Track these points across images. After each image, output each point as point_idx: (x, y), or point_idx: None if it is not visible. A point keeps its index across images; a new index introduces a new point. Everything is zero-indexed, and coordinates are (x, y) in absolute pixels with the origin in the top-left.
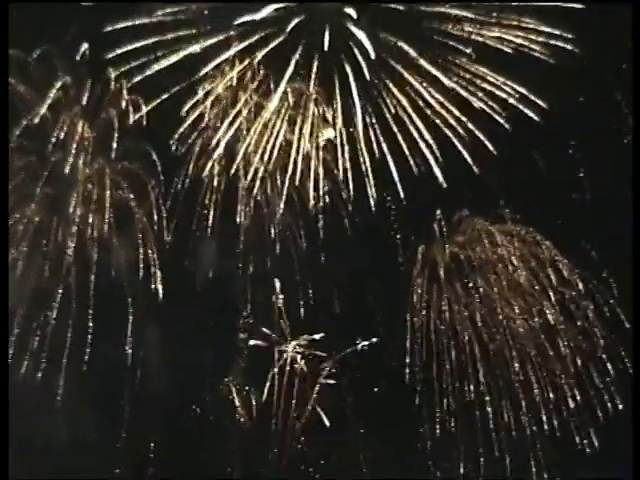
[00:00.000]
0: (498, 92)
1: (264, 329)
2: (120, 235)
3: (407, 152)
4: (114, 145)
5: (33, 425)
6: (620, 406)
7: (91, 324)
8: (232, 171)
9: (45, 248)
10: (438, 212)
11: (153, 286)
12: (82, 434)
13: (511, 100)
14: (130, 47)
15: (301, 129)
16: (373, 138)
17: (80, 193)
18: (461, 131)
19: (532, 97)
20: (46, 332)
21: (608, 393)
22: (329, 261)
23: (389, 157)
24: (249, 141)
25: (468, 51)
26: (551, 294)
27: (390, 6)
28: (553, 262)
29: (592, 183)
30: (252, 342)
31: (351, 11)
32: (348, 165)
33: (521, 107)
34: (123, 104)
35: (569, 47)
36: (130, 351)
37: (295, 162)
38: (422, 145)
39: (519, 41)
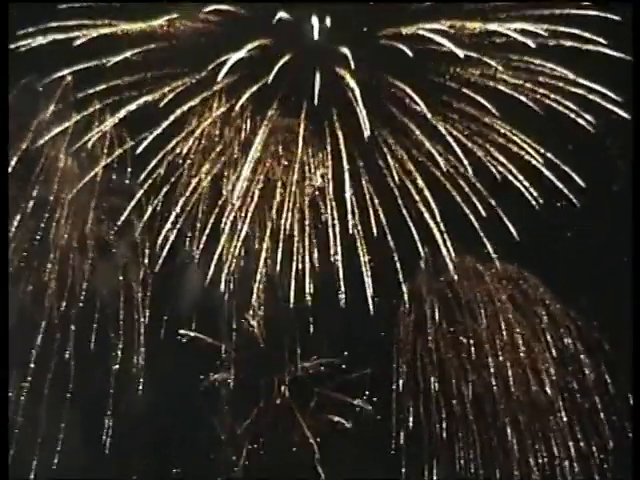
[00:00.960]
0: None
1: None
2: (103, 268)
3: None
4: (98, 179)
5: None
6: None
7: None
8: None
9: (27, 279)
10: (425, 249)
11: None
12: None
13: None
14: (115, 82)
15: (288, 166)
16: (368, 197)
17: (63, 226)
18: (478, 204)
19: (568, 170)
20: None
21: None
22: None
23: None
24: (235, 178)
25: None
26: (540, 335)
27: (389, 44)
28: (543, 302)
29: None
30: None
31: (346, 51)
32: (337, 219)
33: (555, 181)
34: (108, 138)
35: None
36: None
37: (282, 200)
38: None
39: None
